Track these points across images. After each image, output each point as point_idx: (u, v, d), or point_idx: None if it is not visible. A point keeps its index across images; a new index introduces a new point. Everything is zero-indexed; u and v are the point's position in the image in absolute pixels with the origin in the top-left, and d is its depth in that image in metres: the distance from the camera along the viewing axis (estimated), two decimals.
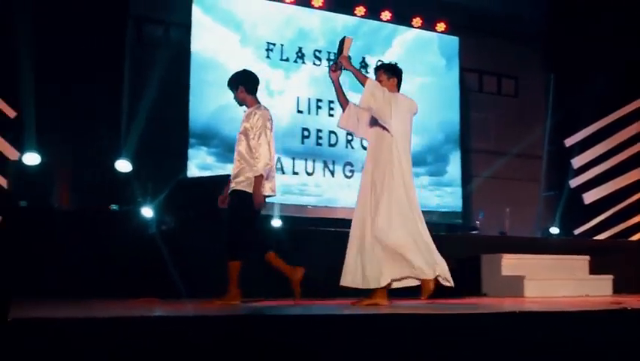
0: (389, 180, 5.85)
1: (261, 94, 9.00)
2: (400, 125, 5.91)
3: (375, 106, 5.82)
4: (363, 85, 5.84)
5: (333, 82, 6.13)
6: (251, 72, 6.23)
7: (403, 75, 6.15)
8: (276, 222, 9.51)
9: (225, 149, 9.52)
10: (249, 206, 5.90)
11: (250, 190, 5.90)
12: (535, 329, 4.61)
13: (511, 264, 8.39)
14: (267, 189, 6.00)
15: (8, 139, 7.29)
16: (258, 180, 5.86)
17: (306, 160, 10.50)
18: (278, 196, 10.09)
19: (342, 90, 6.18)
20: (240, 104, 6.19)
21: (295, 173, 10.40)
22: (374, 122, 6.04)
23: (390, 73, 6.13)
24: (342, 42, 5.99)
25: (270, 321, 4.21)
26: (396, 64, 6.36)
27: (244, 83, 6.13)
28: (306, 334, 4.04)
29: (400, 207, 5.79)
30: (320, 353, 3.99)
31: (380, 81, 6.03)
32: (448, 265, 5.80)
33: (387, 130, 5.91)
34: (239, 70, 6.24)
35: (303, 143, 10.54)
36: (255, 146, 5.91)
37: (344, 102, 6.21)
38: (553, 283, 8.27)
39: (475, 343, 4.36)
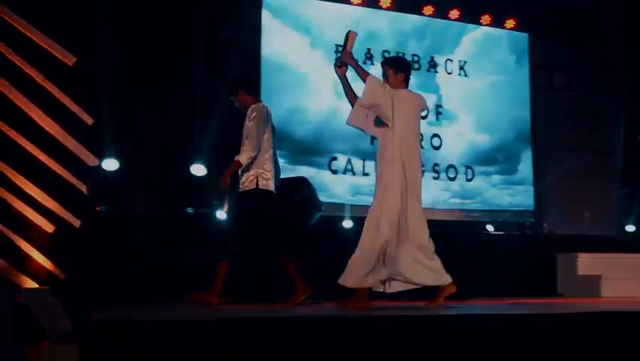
0: (388, 178, 5.85)
1: (330, 96, 9.03)
2: (402, 123, 5.77)
3: (375, 103, 5.72)
4: (364, 82, 5.73)
5: (339, 78, 6.02)
6: (245, 73, 6.27)
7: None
8: (348, 223, 9.55)
9: (296, 151, 9.60)
10: (261, 203, 5.93)
11: (254, 186, 5.91)
12: (616, 330, 4.55)
13: (587, 263, 8.25)
14: (271, 185, 6.00)
15: (87, 146, 7.47)
16: (235, 164, 5.84)
17: (376, 161, 10.47)
18: (348, 197, 10.24)
19: (349, 86, 6.05)
20: (243, 109, 6.15)
21: (365, 174, 10.39)
22: (380, 119, 5.93)
23: (397, 68, 5.96)
24: (346, 37, 5.90)
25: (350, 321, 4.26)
26: (404, 58, 6.22)
27: (243, 85, 6.15)
28: (388, 335, 4.08)
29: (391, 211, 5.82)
30: (396, 351, 4.02)
31: (387, 77, 5.91)
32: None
33: (389, 127, 5.80)
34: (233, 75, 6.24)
35: (372, 144, 10.50)
36: (247, 138, 5.92)
37: (352, 98, 6.05)
38: (632, 282, 8.08)
39: (552, 344, 4.33)
